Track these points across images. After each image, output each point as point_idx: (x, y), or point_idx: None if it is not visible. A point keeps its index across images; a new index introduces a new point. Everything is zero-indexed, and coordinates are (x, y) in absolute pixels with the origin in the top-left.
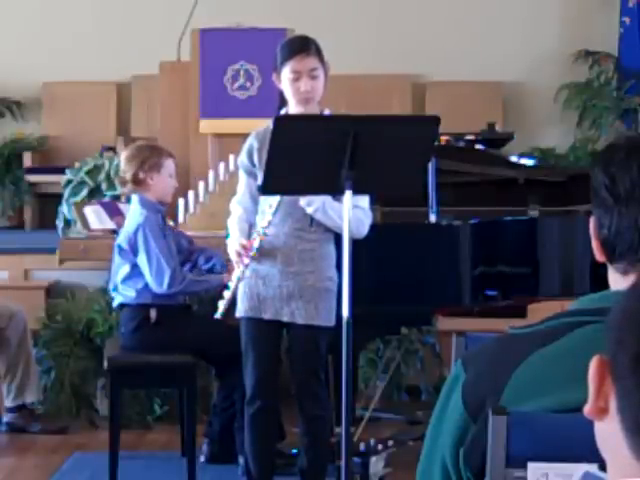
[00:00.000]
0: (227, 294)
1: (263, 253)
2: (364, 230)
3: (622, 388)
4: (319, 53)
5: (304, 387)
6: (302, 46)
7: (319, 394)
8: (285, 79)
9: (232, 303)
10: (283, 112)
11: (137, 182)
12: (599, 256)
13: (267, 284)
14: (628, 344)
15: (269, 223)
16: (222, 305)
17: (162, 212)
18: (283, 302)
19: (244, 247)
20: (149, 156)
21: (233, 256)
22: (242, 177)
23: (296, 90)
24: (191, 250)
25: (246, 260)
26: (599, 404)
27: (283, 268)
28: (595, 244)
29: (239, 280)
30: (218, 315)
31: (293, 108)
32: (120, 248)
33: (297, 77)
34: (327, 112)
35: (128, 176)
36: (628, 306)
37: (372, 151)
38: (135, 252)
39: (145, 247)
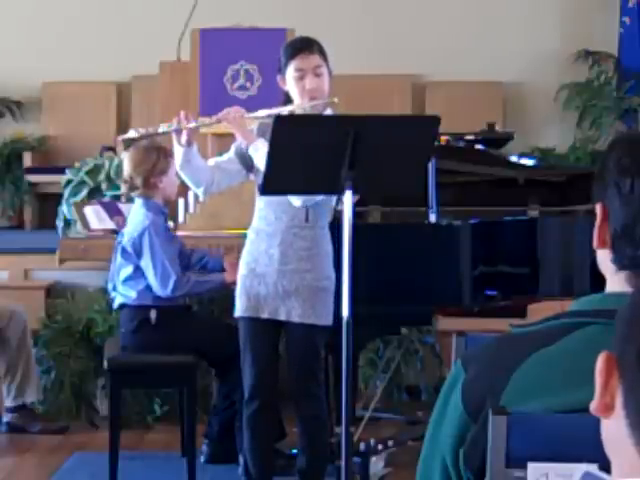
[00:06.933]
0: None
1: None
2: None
3: (628, 383)
4: (322, 52)
5: (301, 386)
6: (305, 44)
7: (316, 394)
8: (290, 78)
9: (231, 302)
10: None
11: (148, 186)
12: (599, 243)
13: (264, 283)
14: (634, 339)
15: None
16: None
17: (166, 215)
18: (280, 301)
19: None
20: (158, 159)
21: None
22: (230, 152)
23: (302, 89)
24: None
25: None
26: (605, 400)
27: (280, 266)
28: (598, 232)
29: (167, 130)
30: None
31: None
32: (123, 250)
33: (302, 75)
34: (329, 111)
35: (139, 181)
36: (635, 302)
37: (372, 151)
38: (139, 255)
39: (150, 251)
